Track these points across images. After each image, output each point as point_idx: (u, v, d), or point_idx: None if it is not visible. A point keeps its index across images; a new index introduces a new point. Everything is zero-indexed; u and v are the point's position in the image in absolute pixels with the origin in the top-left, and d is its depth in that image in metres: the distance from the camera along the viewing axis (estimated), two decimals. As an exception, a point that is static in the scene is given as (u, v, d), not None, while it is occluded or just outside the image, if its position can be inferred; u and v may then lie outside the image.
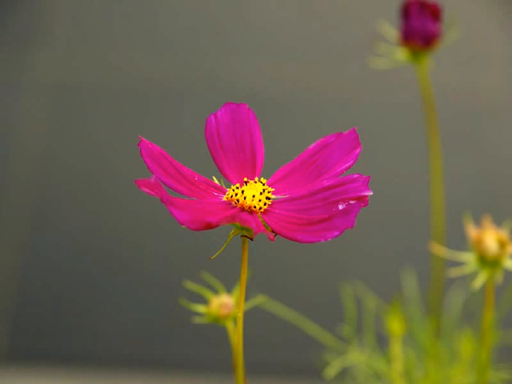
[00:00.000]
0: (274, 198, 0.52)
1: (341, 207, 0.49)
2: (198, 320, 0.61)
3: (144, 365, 1.34)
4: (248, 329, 1.33)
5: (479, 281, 0.63)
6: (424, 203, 1.35)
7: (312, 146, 0.54)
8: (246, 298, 0.55)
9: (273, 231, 0.49)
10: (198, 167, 0.58)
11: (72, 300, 1.39)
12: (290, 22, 1.71)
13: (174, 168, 0.51)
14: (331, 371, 0.76)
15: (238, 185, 0.52)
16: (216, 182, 0.53)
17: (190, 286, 0.63)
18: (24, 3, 1.71)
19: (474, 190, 1.50)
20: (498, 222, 0.71)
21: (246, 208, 0.50)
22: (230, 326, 0.60)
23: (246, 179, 0.52)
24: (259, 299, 0.62)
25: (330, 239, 0.47)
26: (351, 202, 0.49)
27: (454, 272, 0.66)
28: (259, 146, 0.55)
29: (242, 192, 0.51)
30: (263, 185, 0.52)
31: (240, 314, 0.51)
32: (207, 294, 0.61)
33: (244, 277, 0.50)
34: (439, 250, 0.71)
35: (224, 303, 0.60)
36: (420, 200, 1.45)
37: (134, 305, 1.39)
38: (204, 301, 0.62)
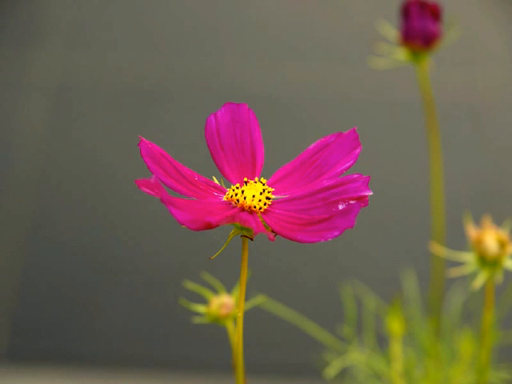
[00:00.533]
0: (274, 198, 0.52)
1: (341, 207, 0.49)
2: (197, 320, 0.61)
3: (144, 365, 1.34)
4: (248, 329, 1.33)
5: (479, 281, 0.63)
6: (424, 203, 1.35)
7: (312, 146, 0.54)
8: (246, 298, 0.55)
9: (273, 231, 0.49)
10: (197, 167, 0.58)
11: (72, 300, 1.39)
12: (290, 22, 1.71)
13: (174, 168, 0.51)
14: (331, 371, 0.76)
15: (238, 185, 0.52)
16: (216, 182, 0.53)
17: (190, 286, 0.63)
18: (24, 3, 1.71)
19: (474, 189, 1.50)
20: (498, 222, 0.71)
21: (246, 208, 0.50)
22: (230, 326, 0.60)
23: (245, 179, 0.52)
24: (259, 299, 0.62)
25: (330, 239, 0.47)
26: (351, 201, 0.49)
27: (454, 272, 0.66)
28: (259, 146, 0.55)
29: (242, 192, 0.51)
30: (263, 185, 0.52)
31: (240, 314, 0.51)
32: (207, 294, 0.61)
33: (244, 277, 0.50)
34: (439, 250, 0.71)
35: (224, 303, 0.60)
36: (420, 200, 1.45)
37: (134, 305, 1.39)
38: (204, 301, 0.62)
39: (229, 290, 0.62)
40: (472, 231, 0.65)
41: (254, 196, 0.51)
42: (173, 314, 1.38)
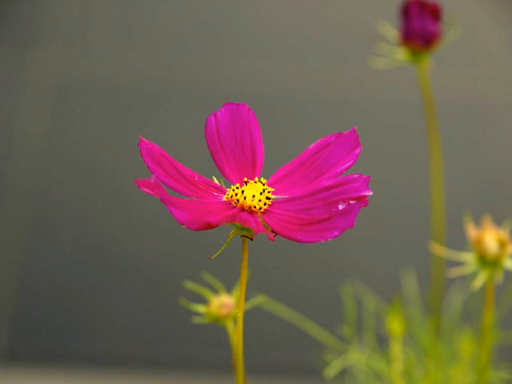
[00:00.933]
0: (274, 198, 0.52)
1: (341, 207, 0.49)
2: (197, 320, 0.61)
3: (144, 365, 1.34)
4: (248, 329, 1.33)
5: (479, 281, 0.63)
6: (424, 203, 1.35)
7: (312, 145, 0.54)
8: (246, 298, 0.55)
9: (273, 231, 0.49)
10: (197, 167, 0.58)
11: (72, 300, 1.39)
12: (290, 22, 1.71)
13: (174, 168, 0.51)
14: (331, 371, 0.76)
15: (237, 185, 0.52)
16: (216, 182, 0.53)
17: (190, 286, 0.63)
18: (24, 3, 1.71)
19: (474, 190, 1.50)
20: (498, 222, 0.71)
21: (246, 208, 0.50)
22: (229, 326, 0.60)
23: (245, 179, 0.52)
24: (259, 299, 0.62)
25: (330, 239, 0.47)
26: (351, 201, 0.49)
27: (454, 272, 0.66)
28: (259, 146, 0.55)
29: (242, 192, 0.51)
30: (263, 185, 0.52)
31: (240, 314, 0.51)
32: (207, 294, 0.61)
33: (244, 277, 0.50)
34: (439, 250, 0.71)
35: (224, 303, 0.60)
36: (420, 200, 1.45)
37: (134, 305, 1.39)
38: (204, 301, 0.62)
39: (229, 290, 0.62)
40: (472, 231, 0.65)
41: (254, 196, 0.51)
42: (173, 313, 1.38)
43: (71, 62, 1.64)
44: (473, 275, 0.67)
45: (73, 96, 1.61)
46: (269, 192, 0.51)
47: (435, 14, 0.78)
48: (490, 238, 0.64)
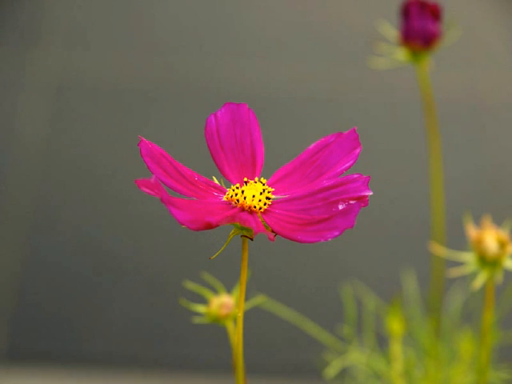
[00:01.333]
0: (274, 198, 0.52)
1: (341, 207, 0.49)
2: (197, 320, 0.61)
3: (144, 365, 1.34)
4: (248, 329, 1.33)
5: (479, 281, 0.63)
6: (424, 203, 1.35)
7: (312, 146, 0.54)
8: (246, 298, 0.55)
9: (273, 231, 0.49)
10: (197, 167, 0.58)
11: (72, 300, 1.39)
12: (291, 22, 1.71)
13: (174, 168, 0.51)
14: (331, 371, 0.76)
15: (237, 185, 0.52)
16: (216, 182, 0.53)
17: (190, 286, 0.63)
18: (24, 3, 1.71)
19: (474, 189, 1.50)
20: (498, 222, 0.71)
21: (246, 208, 0.50)
22: (230, 326, 0.60)
23: (245, 179, 0.52)
24: (259, 299, 0.62)
25: (329, 239, 0.47)
26: (351, 201, 0.49)
27: (454, 272, 0.66)
28: (259, 146, 0.55)
29: (242, 192, 0.51)
30: (263, 185, 0.52)
31: (240, 314, 0.51)
32: (207, 294, 0.61)
33: (244, 277, 0.50)
34: (439, 250, 0.71)
35: (224, 303, 0.60)
36: (420, 200, 1.45)
37: (134, 305, 1.39)
38: (204, 301, 0.62)
39: (229, 290, 0.62)
40: (472, 231, 0.65)
41: (254, 196, 0.51)
42: (173, 313, 1.38)
43: (71, 61, 1.64)
44: (473, 275, 0.67)
45: (73, 96, 1.61)
46: (269, 192, 0.51)
47: (435, 13, 0.78)
48: (490, 237, 0.64)
